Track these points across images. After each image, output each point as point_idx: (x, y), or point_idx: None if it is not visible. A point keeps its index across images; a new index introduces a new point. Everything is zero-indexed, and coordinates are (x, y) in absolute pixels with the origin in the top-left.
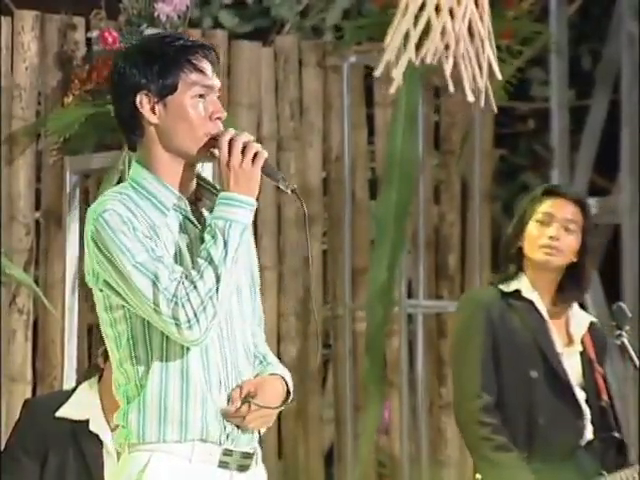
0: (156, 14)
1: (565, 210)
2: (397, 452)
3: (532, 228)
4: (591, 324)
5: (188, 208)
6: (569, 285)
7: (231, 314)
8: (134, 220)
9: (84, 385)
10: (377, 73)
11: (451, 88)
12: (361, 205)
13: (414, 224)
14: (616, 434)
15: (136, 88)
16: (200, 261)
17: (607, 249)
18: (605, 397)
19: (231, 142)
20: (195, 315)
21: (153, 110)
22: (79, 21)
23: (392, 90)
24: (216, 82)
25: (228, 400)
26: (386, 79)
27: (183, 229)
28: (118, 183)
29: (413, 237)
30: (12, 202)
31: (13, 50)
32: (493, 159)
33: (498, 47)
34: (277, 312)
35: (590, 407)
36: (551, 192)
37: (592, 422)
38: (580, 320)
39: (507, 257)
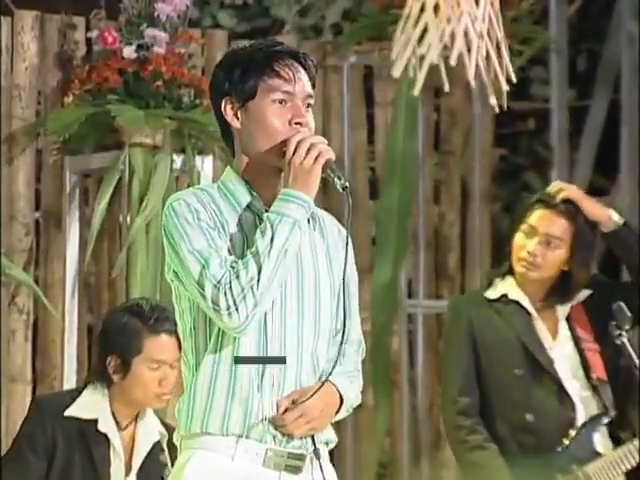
0: (156, 14)
1: (549, 224)
2: (397, 452)
3: (518, 238)
4: (584, 300)
5: (263, 210)
6: (557, 292)
7: (302, 324)
8: (201, 210)
9: (90, 388)
10: (396, 74)
11: (472, 82)
12: (361, 205)
13: (414, 224)
14: (612, 413)
15: (222, 93)
16: (248, 253)
17: (607, 249)
18: (597, 375)
19: (300, 142)
20: (235, 303)
21: (236, 115)
22: (79, 21)
23: (415, 92)
24: (300, 89)
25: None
26: (387, 79)
27: (254, 228)
28: (118, 183)
29: (413, 237)
30: (12, 202)
31: (13, 50)
32: (493, 159)
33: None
34: None
35: (587, 389)
36: (542, 202)
37: (593, 402)
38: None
39: (504, 254)
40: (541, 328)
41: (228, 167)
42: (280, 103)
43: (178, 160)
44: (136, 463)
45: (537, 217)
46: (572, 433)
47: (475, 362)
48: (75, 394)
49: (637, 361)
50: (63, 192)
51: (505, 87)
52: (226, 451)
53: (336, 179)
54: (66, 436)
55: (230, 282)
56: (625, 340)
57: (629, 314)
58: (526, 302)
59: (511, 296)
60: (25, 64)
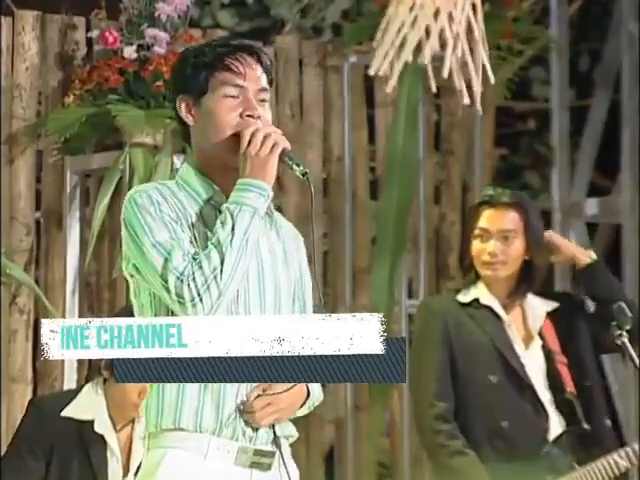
0: (157, 14)
1: (499, 221)
2: (397, 453)
3: (475, 244)
4: (553, 310)
5: (225, 203)
6: (522, 280)
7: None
8: (163, 203)
9: (89, 386)
10: (371, 72)
11: (460, 89)
12: (361, 205)
13: (415, 224)
14: (585, 426)
15: (176, 91)
16: (209, 243)
17: (608, 249)
18: (569, 388)
19: (254, 133)
20: (199, 294)
21: (190, 112)
22: (79, 21)
23: (388, 90)
24: (251, 83)
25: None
26: (387, 79)
27: (215, 221)
28: (118, 183)
29: (414, 237)
30: (12, 202)
31: (14, 50)
32: (493, 159)
33: (498, 47)
34: None
35: (558, 401)
36: (486, 203)
37: (565, 414)
38: (535, 312)
39: (464, 266)
40: (513, 335)
41: (185, 163)
42: (232, 97)
43: (178, 160)
44: (134, 464)
45: (486, 218)
46: (547, 443)
47: (451, 365)
48: (73, 394)
49: (637, 361)
50: (64, 192)
51: (479, 89)
52: (198, 449)
53: (295, 166)
54: (64, 437)
55: (193, 273)
56: (625, 340)
57: (630, 314)
58: (498, 307)
59: (483, 301)
60: (26, 64)
